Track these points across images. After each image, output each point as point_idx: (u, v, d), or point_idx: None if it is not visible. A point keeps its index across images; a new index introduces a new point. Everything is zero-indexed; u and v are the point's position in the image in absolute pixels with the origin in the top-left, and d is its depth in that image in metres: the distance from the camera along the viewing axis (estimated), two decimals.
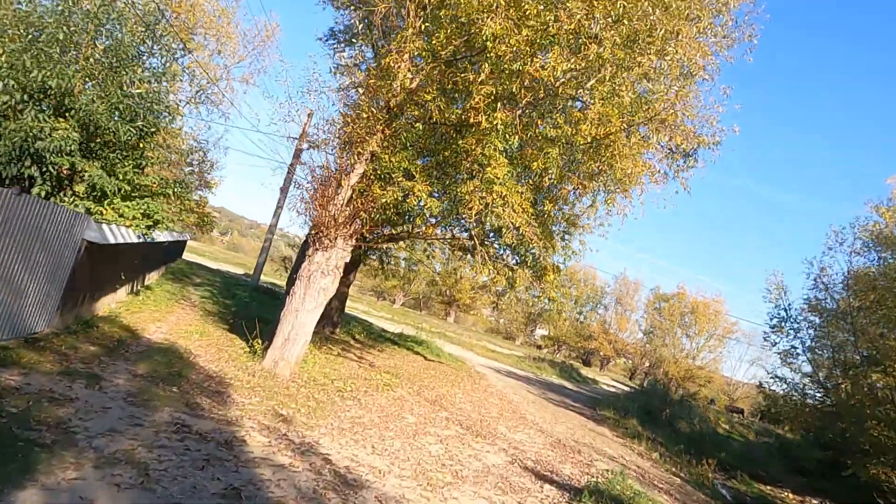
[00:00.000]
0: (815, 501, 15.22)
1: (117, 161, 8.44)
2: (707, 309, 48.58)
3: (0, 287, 5.67)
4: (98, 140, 8.30)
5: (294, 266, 13.92)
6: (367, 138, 9.00)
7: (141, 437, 4.81)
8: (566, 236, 11.11)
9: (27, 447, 4.01)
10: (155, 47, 9.55)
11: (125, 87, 8.21)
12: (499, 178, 7.82)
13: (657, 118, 8.06)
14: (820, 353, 18.87)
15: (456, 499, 5.95)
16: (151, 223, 8.85)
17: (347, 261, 9.84)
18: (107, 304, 9.60)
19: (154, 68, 9.22)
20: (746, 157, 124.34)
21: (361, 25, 11.06)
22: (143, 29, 8.85)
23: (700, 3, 8.28)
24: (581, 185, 9.19)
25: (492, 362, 27.48)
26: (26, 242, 5.92)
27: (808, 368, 18.97)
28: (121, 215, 8.44)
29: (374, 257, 16.86)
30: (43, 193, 7.33)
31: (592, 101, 7.87)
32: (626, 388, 35.68)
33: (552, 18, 7.03)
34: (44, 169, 7.38)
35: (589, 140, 8.03)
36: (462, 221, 10.83)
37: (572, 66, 7.22)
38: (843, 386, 16.95)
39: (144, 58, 9.23)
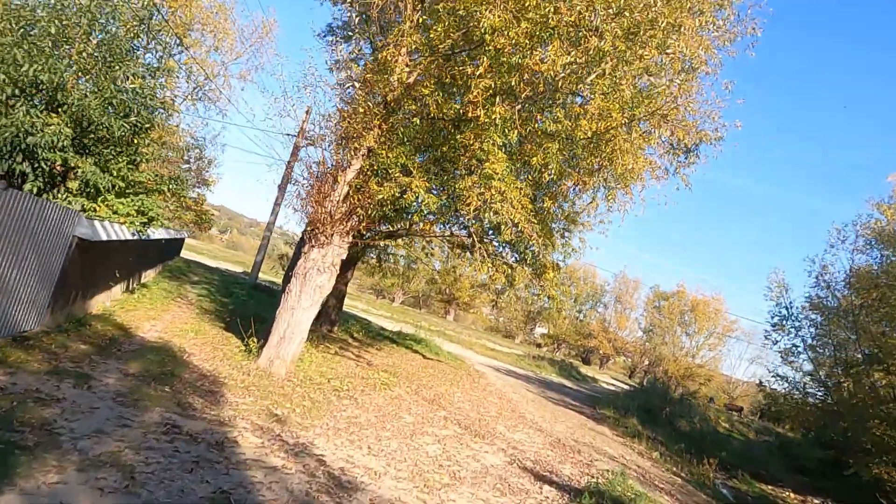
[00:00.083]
0: (816, 501, 15.11)
1: (111, 157, 8.31)
2: (707, 307, 48.67)
3: None
4: (91, 136, 8.15)
5: (290, 263, 13.82)
6: (364, 134, 8.87)
7: (128, 439, 4.67)
8: (566, 233, 11.02)
9: (7, 450, 3.87)
10: (150, 42, 9.43)
11: (119, 83, 8.09)
12: (497, 174, 7.69)
13: (658, 113, 7.93)
14: (821, 351, 18.74)
15: (453, 500, 5.83)
16: (146, 220, 8.71)
17: (344, 258, 9.71)
18: (101, 302, 9.46)
19: (149, 64, 9.10)
20: (747, 156, 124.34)
21: (358, 20, 10.95)
22: (138, 24, 8.71)
23: None
24: (581, 180, 9.07)
25: (491, 361, 27.39)
26: (14, 239, 5.79)
27: (809, 367, 18.85)
28: (115, 212, 8.30)
29: (373, 255, 16.74)
30: (35, 190, 7.19)
31: (593, 96, 7.74)
32: (626, 387, 35.65)
33: (552, 10, 6.87)
34: (36, 165, 7.24)
35: (589, 135, 7.90)
36: (460, 218, 10.71)
37: (572, 60, 7.08)
38: (844, 384, 16.86)
39: (139, 53, 9.11)
